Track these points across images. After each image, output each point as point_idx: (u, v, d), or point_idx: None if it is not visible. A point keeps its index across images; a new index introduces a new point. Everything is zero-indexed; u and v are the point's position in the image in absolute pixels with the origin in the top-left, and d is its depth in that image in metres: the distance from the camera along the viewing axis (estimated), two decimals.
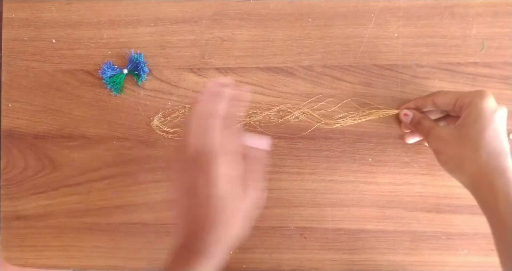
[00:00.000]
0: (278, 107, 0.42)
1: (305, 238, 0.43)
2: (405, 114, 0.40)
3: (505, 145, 0.35)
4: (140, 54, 0.43)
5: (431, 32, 0.42)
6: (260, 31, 0.43)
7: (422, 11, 0.42)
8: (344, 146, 0.42)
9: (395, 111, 0.41)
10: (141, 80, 0.43)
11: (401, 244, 0.42)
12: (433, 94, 0.38)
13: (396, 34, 0.42)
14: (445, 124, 0.41)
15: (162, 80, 0.43)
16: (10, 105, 0.45)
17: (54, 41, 0.45)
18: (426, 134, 0.38)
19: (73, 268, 0.45)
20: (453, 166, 0.36)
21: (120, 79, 0.43)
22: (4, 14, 0.45)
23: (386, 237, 0.42)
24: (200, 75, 0.43)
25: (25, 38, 0.45)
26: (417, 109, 0.40)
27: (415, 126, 0.39)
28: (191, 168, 0.28)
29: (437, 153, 0.37)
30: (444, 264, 0.42)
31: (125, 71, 0.43)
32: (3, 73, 0.45)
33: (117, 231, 0.44)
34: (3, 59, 0.45)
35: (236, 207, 0.29)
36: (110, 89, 0.43)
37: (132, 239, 0.44)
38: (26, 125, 0.45)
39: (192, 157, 0.28)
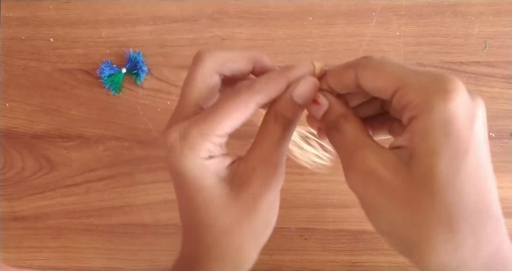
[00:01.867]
0: None
1: (305, 239, 0.42)
2: (315, 102, 0.24)
3: (494, 194, 0.19)
4: (139, 53, 0.43)
5: (433, 31, 0.41)
6: (260, 30, 0.42)
7: (424, 9, 0.41)
8: None
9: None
10: (139, 79, 0.43)
11: None
12: (356, 65, 0.22)
13: (398, 33, 0.41)
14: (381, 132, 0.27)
15: (161, 80, 0.43)
16: (7, 105, 0.45)
17: (52, 40, 0.44)
18: (346, 156, 0.22)
19: (71, 269, 0.45)
20: (401, 246, 0.20)
21: (119, 78, 0.43)
22: (2, 13, 0.45)
23: None
24: None
25: (23, 37, 0.45)
26: (332, 90, 0.24)
27: (327, 131, 0.24)
28: None
29: (367, 208, 0.21)
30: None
31: (124, 70, 0.42)
32: (1, 73, 0.45)
33: (115, 232, 0.44)
34: (1, 58, 0.45)
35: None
36: (109, 88, 0.43)
37: (131, 240, 0.44)
38: (23, 125, 0.44)
39: None
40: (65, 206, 0.44)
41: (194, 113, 0.24)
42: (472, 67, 0.41)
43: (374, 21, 0.42)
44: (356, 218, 0.42)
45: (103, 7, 0.44)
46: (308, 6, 0.42)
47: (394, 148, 0.20)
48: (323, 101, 0.24)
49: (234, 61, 0.25)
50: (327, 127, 0.24)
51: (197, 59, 0.25)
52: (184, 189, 0.23)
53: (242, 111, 0.22)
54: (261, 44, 0.42)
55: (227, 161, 0.24)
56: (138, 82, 0.43)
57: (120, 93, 0.43)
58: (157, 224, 0.43)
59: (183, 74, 0.43)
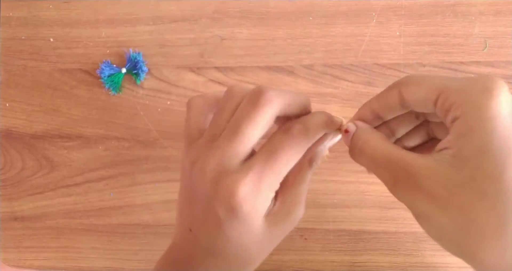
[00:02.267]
0: None
1: (305, 239, 0.42)
2: (345, 131, 0.25)
3: None
4: (139, 53, 0.42)
5: (433, 31, 0.41)
6: (261, 30, 0.42)
7: (424, 9, 0.41)
8: (346, 146, 0.42)
9: (337, 122, 0.27)
10: (139, 79, 0.43)
11: (403, 245, 0.42)
12: (399, 83, 0.23)
13: (398, 33, 0.41)
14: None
15: (161, 80, 0.43)
16: (7, 105, 0.45)
17: (52, 40, 0.44)
18: (387, 173, 0.22)
19: (71, 270, 0.45)
20: (452, 249, 0.20)
21: (119, 78, 0.42)
22: (2, 13, 0.45)
23: (387, 238, 0.42)
24: (200, 74, 0.43)
25: (23, 37, 0.45)
26: (377, 116, 0.25)
27: (357, 156, 0.24)
28: None
29: (416, 216, 0.21)
30: (446, 265, 0.42)
31: (124, 70, 0.42)
32: (1, 73, 0.45)
33: (115, 232, 0.44)
34: (1, 58, 0.45)
35: None
36: (109, 88, 0.43)
37: (131, 240, 0.43)
38: (23, 125, 0.44)
39: None
40: (65, 206, 0.44)
41: (247, 154, 0.24)
42: (472, 67, 0.41)
43: (374, 21, 0.42)
44: (356, 218, 0.42)
45: (103, 7, 0.44)
46: (308, 6, 0.42)
47: (437, 150, 0.20)
48: (351, 126, 0.25)
49: (294, 106, 0.25)
50: (355, 155, 0.25)
51: (265, 100, 0.24)
52: (229, 226, 0.24)
53: (298, 157, 0.24)
54: (261, 44, 0.42)
55: (270, 199, 0.25)
56: (138, 82, 0.43)
57: (120, 93, 0.43)
58: (157, 224, 0.43)
59: (183, 74, 0.43)
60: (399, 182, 0.21)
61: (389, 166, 0.21)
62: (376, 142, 0.23)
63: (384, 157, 0.22)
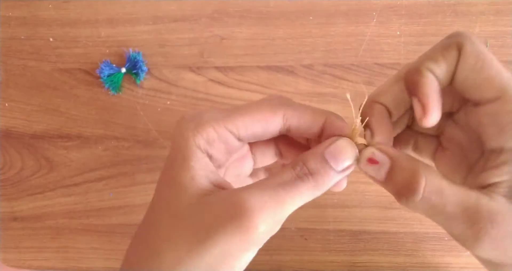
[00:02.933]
0: None
1: (306, 239, 0.42)
2: (371, 161, 0.21)
3: None
4: (139, 52, 0.42)
5: (434, 30, 0.41)
6: (260, 30, 0.42)
7: (424, 9, 0.41)
8: None
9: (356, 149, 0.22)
10: (139, 79, 0.42)
11: (403, 246, 0.42)
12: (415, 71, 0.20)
13: (398, 33, 0.41)
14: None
15: (160, 79, 0.43)
16: (7, 104, 0.44)
17: (51, 39, 0.44)
18: (470, 230, 0.18)
19: (70, 270, 0.45)
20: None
21: (118, 78, 0.42)
22: (1, 13, 0.45)
23: (388, 238, 0.42)
24: (200, 74, 0.43)
25: (22, 37, 0.44)
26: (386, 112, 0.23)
27: (413, 203, 0.19)
28: None
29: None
30: (446, 265, 0.41)
31: (123, 70, 0.42)
32: (0, 73, 0.45)
33: (115, 232, 0.44)
34: (0, 58, 0.45)
35: None
36: (108, 88, 0.43)
37: (131, 240, 0.43)
38: (23, 125, 0.44)
39: None
40: (64, 206, 0.44)
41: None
42: None
43: (375, 20, 0.42)
44: (356, 218, 0.42)
45: (103, 7, 0.44)
46: (309, 5, 0.42)
47: (487, 186, 0.19)
48: (381, 158, 0.20)
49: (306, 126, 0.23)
50: (399, 192, 0.19)
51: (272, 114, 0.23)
52: (173, 160, 0.22)
53: (265, 117, 0.22)
54: (261, 44, 0.42)
55: (219, 178, 0.22)
56: (138, 82, 0.43)
57: (120, 93, 0.43)
58: None
59: (183, 74, 0.43)
60: (485, 234, 0.17)
61: (467, 216, 0.17)
62: (439, 183, 0.18)
63: (458, 204, 0.18)
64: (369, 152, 0.21)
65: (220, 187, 0.22)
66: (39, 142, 0.44)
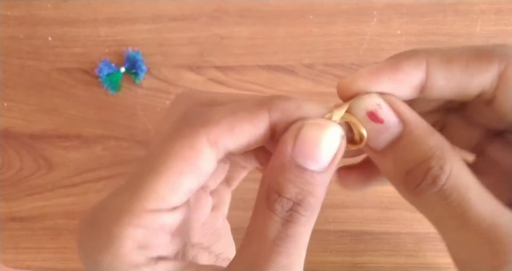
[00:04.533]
0: None
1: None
2: (372, 116, 0.15)
3: None
4: (138, 52, 0.42)
5: (435, 29, 0.41)
6: (261, 29, 0.42)
7: (425, 8, 0.41)
8: None
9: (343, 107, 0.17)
10: (138, 79, 0.42)
11: (404, 246, 0.42)
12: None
13: (399, 32, 0.41)
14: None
15: (160, 79, 0.43)
16: (5, 104, 0.44)
17: (50, 39, 0.44)
18: (491, 252, 0.13)
19: (69, 270, 0.45)
20: None
21: (117, 77, 0.42)
22: (0, 12, 0.45)
23: (389, 239, 0.42)
24: (199, 73, 0.42)
25: (21, 36, 0.44)
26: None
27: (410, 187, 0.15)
28: None
29: None
30: (447, 266, 0.41)
31: (123, 69, 0.42)
32: None
33: None
34: None
35: None
36: (107, 88, 0.43)
37: None
38: (21, 125, 0.44)
39: None
40: (63, 206, 0.44)
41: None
42: None
43: (375, 19, 0.41)
44: (357, 218, 0.42)
45: (102, 6, 0.43)
46: (309, 4, 0.42)
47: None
48: (389, 116, 0.14)
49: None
50: (409, 173, 0.14)
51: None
52: None
53: (190, 160, 0.14)
54: (261, 43, 0.42)
55: None
56: (137, 81, 0.43)
57: (119, 92, 0.43)
58: None
59: (183, 73, 0.43)
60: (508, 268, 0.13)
61: (492, 237, 0.13)
62: (467, 178, 0.14)
63: (484, 216, 0.13)
64: (373, 101, 0.15)
65: None
66: (37, 142, 0.44)
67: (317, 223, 0.44)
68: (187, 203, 0.16)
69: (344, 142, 0.15)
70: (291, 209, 0.15)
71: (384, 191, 0.42)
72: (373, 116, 0.15)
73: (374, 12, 0.41)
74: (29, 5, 0.44)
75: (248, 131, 0.15)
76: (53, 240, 0.44)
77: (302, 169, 0.14)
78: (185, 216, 0.16)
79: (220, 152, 0.15)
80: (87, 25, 0.44)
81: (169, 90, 0.43)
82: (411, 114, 0.14)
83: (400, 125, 0.14)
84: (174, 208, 0.15)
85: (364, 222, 0.42)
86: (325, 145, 0.14)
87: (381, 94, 0.15)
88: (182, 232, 0.16)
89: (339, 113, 0.16)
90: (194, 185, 0.15)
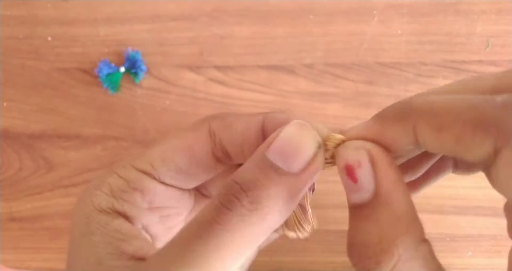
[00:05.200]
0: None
1: (306, 240, 0.42)
2: (348, 170, 0.14)
3: None
4: (138, 52, 0.42)
5: (435, 29, 0.41)
6: (260, 28, 0.42)
7: (426, 8, 0.41)
8: None
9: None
10: (138, 78, 0.42)
11: None
12: (412, 111, 0.13)
13: (399, 32, 0.41)
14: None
15: (160, 79, 0.43)
16: (4, 104, 0.44)
17: (49, 39, 0.44)
18: None
19: None
20: None
21: (117, 77, 0.42)
22: (0, 12, 0.45)
23: None
24: (199, 73, 0.42)
25: (21, 36, 0.44)
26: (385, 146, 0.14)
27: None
28: None
29: None
30: (448, 266, 0.41)
31: (122, 69, 0.42)
32: None
33: None
34: None
35: None
36: (107, 88, 0.43)
37: None
38: (21, 125, 0.44)
39: None
40: (63, 206, 0.44)
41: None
42: (474, 66, 0.41)
43: (376, 19, 0.41)
44: None
45: (101, 6, 0.43)
46: (309, 4, 0.42)
47: None
48: (364, 179, 0.13)
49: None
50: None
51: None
52: (71, 241, 0.18)
53: (185, 139, 0.16)
54: (261, 43, 0.42)
55: (128, 232, 0.16)
56: (137, 81, 0.42)
57: (119, 92, 0.43)
58: None
59: (182, 73, 0.43)
60: None
61: None
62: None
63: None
64: (355, 156, 0.13)
65: (139, 258, 0.15)
66: (37, 142, 0.44)
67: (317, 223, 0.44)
68: (175, 180, 0.17)
69: (322, 152, 0.14)
70: (233, 194, 0.13)
71: None
72: (349, 172, 0.14)
73: (374, 12, 0.41)
74: (28, 5, 0.44)
75: (237, 129, 0.16)
76: (53, 240, 0.44)
77: (269, 163, 0.14)
78: (165, 192, 0.17)
79: (216, 143, 0.16)
80: (86, 25, 0.43)
81: (169, 90, 0.42)
82: (388, 186, 0.13)
83: (371, 194, 0.13)
84: (160, 180, 0.16)
85: None
86: (298, 146, 0.14)
87: (372, 147, 0.14)
88: (154, 203, 0.17)
89: (334, 139, 0.15)
90: (185, 167, 0.16)
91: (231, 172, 0.15)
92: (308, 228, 0.16)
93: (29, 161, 0.44)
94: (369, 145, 0.14)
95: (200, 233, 0.12)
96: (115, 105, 0.43)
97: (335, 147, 0.15)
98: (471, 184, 0.40)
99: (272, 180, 0.13)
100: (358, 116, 0.40)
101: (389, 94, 0.41)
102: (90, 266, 0.15)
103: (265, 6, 0.42)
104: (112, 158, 0.43)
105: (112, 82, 0.42)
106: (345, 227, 0.43)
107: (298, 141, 0.14)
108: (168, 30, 0.43)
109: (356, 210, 0.14)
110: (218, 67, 0.42)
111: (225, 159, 0.16)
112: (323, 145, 0.15)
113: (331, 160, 0.15)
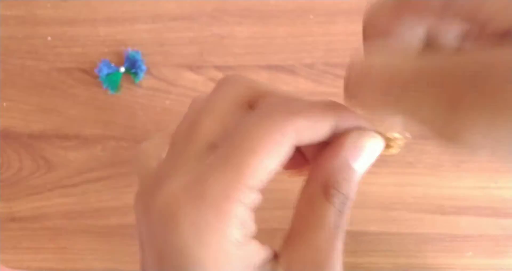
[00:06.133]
0: None
1: None
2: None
3: None
4: (138, 52, 0.42)
5: None
6: (261, 28, 0.42)
7: None
8: None
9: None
10: (138, 78, 0.42)
11: (405, 247, 0.41)
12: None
13: None
14: None
15: (159, 79, 0.43)
16: (4, 104, 0.44)
17: (49, 38, 0.44)
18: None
19: None
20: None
21: (117, 77, 0.42)
22: (0, 12, 0.45)
23: (389, 239, 0.41)
24: (199, 73, 0.42)
25: (20, 36, 0.44)
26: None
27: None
28: None
29: None
30: (448, 266, 0.41)
31: (122, 69, 0.42)
32: None
33: (114, 233, 0.43)
34: None
35: None
36: (107, 88, 0.43)
37: (129, 241, 0.43)
38: (21, 125, 0.44)
39: None
40: (63, 206, 0.44)
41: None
42: None
43: None
44: (358, 219, 0.41)
45: (101, 5, 0.43)
46: (309, 4, 0.42)
47: None
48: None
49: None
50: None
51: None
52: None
53: (279, 144, 0.15)
54: (261, 43, 0.42)
55: (263, 253, 0.17)
56: (137, 81, 0.42)
57: (119, 92, 0.43)
58: None
59: (183, 73, 0.43)
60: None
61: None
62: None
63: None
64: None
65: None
66: (37, 142, 0.44)
67: None
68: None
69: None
70: (342, 203, 0.17)
71: (385, 191, 0.41)
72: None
73: None
74: (28, 4, 0.44)
75: (321, 128, 0.17)
76: (53, 240, 0.44)
77: (354, 170, 0.17)
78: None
79: (298, 141, 0.16)
80: (86, 25, 0.43)
81: (169, 90, 0.42)
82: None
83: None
84: (260, 188, 0.17)
85: (364, 222, 0.41)
86: (375, 154, 0.18)
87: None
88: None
89: (389, 133, 0.19)
90: (277, 168, 0.16)
91: None
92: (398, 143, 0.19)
93: (29, 161, 0.44)
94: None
95: (338, 234, 0.18)
96: (115, 105, 0.43)
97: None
98: (471, 184, 0.41)
99: (355, 183, 0.18)
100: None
101: None
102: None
103: (265, 6, 0.42)
104: (112, 158, 0.43)
105: (112, 82, 0.42)
106: (347, 227, 0.43)
107: (375, 153, 0.18)
108: (168, 30, 0.43)
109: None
110: (218, 67, 0.42)
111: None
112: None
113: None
